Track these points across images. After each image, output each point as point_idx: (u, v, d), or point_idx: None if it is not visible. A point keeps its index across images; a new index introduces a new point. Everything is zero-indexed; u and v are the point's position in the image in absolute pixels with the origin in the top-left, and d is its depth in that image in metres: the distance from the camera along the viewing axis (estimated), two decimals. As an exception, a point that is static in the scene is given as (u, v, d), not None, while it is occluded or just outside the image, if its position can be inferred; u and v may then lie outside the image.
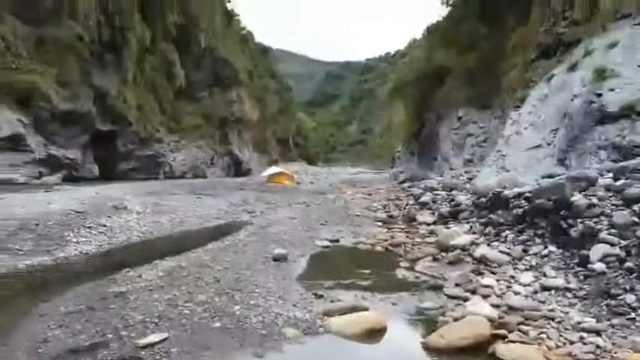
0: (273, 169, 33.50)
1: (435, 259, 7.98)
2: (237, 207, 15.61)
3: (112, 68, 33.63)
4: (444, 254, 8.10)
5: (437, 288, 6.48)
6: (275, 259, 7.89)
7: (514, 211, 8.29)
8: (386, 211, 14.55)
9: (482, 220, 9.35)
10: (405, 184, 23.33)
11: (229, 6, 67.82)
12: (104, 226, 10.46)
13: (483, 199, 9.93)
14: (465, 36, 25.27)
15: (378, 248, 9.24)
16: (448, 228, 9.79)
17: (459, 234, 8.62)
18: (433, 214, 12.46)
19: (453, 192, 13.70)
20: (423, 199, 14.37)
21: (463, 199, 11.63)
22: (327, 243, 9.55)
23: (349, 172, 55.95)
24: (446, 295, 6.14)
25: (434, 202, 13.63)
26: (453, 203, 11.97)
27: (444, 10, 30.73)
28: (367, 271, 7.43)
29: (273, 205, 16.17)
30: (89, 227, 10.06)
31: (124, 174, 34.51)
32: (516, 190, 8.68)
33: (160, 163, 38.67)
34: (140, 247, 9.47)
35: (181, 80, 43.76)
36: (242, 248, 8.78)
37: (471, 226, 9.50)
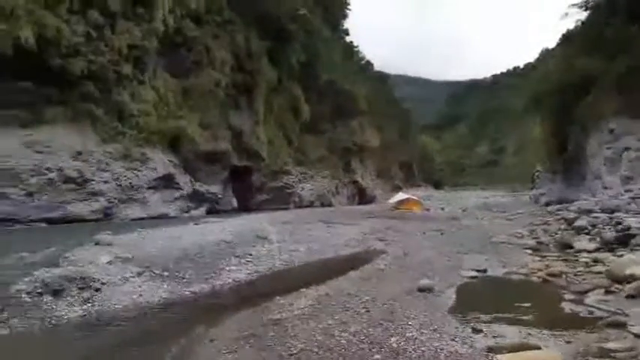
0: (400, 196, 33.03)
1: (608, 292, 6.95)
2: (369, 235, 15.57)
3: (246, 109, 36.62)
4: (618, 286, 7.04)
5: (619, 325, 5.60)
6: (420, 290, 7.57)
7: None
8: (534, 238, 13.30)
9: (663, 246, 8.00)
10: (550, 207, 21.28)
11: (348, 39, 70.48)
12: (250, 255, 11.10)
13: (662, 222, 8.52)
14: (611, 39, 22.64)
15: (534, 279, 8.38)
16: (619, 256, 8.54)
17: (636, 263, 7.44)
18: (594, 239, 11.03)
19: (616, 214, 12.07)
20: (578, 223, 12.86)
21: (633, 222, 10.11)
22: (473, 273, 8.94)
23: (481, 195, 53.12)
24: (633, 334, 5.27)
25: (593, 226, 12.09)
26: (619, 227, 10.47)
27: (582, 15, 28.00)
28: (526, 304, 6.75)
29: (405, 234, 15.83)
30: (238, 256, 10.74)
31: (258, 205, 36.83)
32: None
33: (290, 194, 40.50)
34: (284, 274, 9.85)
35: (306, 115, 45.98)
36: (384, 278, 8.63)
37: (648, 254, 8.19)
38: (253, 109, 37.29)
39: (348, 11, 65.75)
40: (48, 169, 20.24)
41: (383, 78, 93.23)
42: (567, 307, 6.64)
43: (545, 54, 69.24)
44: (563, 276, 8.31)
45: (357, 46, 75.13)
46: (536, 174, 36.22)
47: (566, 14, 27.85)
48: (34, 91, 21.21)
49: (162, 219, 23.67)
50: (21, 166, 19.37)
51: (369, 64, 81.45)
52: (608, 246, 9.88)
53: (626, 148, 20.06)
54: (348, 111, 54.21)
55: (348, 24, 68.32)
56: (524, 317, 6.18)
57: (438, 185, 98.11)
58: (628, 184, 17.96)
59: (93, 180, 21.85)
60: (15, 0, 19.69)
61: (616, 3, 22.87)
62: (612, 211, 12.57)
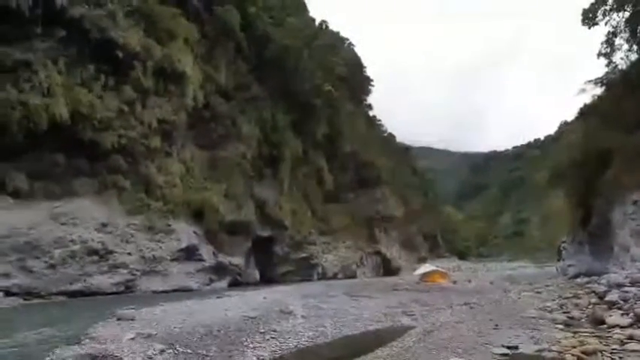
0: (426, 267, 32.38)
1: (648, 373, 6.66)
2: (395, 309, 15.22)
3: (270, 180, 37.47)
4: (658, 366, 6.74)
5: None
6: (454, 369, 7.36)
7: None
8: (564, 312, 12.80)
9: None
10: (579, 280, 20.62)
11: (371, 113, 73.08)
12: (275, 331, 10.85)
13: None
14: (629, 113, 22.91)
15: (568, 357, 8.05)
16: (655, 333, 8.21)
17: (674, 341, 7.16)
18: (626, 314, 10.61)
19: (649, 288, 11.66)
20: (609, 297, 12.40)
21: (668, 297, 9.76)
22: (504, 350, 8.61)
23: (507, 267, 51.47)
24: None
25: (625, 300, 11.65)
26: (654, 303, 10.09)
27: (598, 90, 28.44)
28: (562, 386, 6.48)
29: (432, 308, 15.43)
30: (262, 332, 10.54)
31: (281, 276, 36.36)
32: None
33: (313, 265, 40.05)
34: (311, 352, 9.48)
35: (330, 185, 46.63)
36: (414, 356, 8.38)
37: (689, 332, 7.84)
38: (278, 179, 38.12)
39: (371, 87, 68.77)
40: (72, 240, 20.41)
41: (405, 150, 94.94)
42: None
43: (564, 127, 70.02)
44: (599, 354, 7.96)
45: (379, 120, 77.76)
46: (562, 245, 35.31)
47: (583, 90, 28.28)
48: (64, 164, 22.12)
49: (183, 291, 23.30)
50: (45, 237, 19.56)
51: (391, 136, 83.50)
52: (644, 322, 9.49)
53: (652, 221, 19.57)
54: (371, 181, 54.96)
55: (371, 99, 71.33)
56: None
57: (462, 256, 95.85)
58: (656, 256, 17.38)
59: (116, 252, 21.88)
60: (53, 78, 21.13)
61: (632, 79, 23.36)
62: (645, 286, 12.17)
